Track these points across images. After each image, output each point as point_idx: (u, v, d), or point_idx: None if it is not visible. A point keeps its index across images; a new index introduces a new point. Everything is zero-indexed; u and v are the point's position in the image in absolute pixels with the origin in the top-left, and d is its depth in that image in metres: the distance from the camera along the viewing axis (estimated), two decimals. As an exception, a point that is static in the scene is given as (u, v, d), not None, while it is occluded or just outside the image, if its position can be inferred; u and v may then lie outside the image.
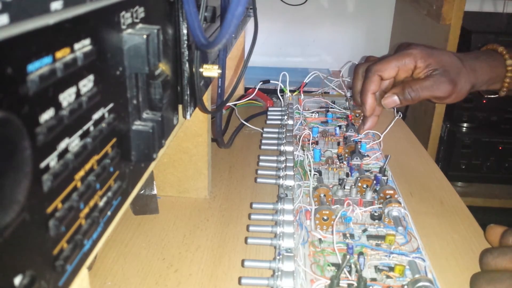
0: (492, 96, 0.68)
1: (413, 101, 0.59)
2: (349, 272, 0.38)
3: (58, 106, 0.20)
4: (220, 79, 0.46)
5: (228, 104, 0.74)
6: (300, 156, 0.57)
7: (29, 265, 0.19)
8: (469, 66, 0.61)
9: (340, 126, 0.67)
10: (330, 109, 0.74)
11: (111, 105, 0.25)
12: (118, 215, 0.28)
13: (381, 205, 0.47)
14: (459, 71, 0.60)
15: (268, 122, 0.70)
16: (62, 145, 0.21)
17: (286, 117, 0.67)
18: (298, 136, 0.62)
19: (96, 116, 0.24)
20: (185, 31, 0.35)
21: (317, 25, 1.40)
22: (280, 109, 0.73)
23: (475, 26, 1.11)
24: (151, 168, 0.34)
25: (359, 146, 0.59)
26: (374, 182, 0.50)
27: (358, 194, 0.50)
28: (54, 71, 0.19)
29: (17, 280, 0.18)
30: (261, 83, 0.85)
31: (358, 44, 1.42)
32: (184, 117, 0.38)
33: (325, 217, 0.44)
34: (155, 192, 0.50)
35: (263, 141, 0.62)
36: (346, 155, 0.58)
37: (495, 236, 0.46)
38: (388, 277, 0.38)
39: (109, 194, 0.26)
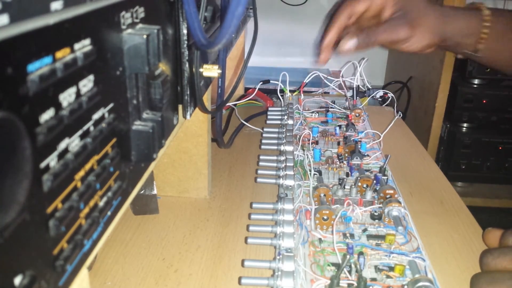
0: (466, 53, 0.61)
1: (372, 45, 0.56)
2: (349, 272, 0.38)
3: (58, 106, 0.20)
4: (220, 79, 0.46)
5: (228, 104, 0.74)
6: (300, 156, 0.57)
7: (29, 265, 0.19)
8: (442, 13, 0.58)
9: (340, 126, 0.67)
10: (330, 109, 0.74)
11: (111, 105, 0.25)
12: (118, 215, 0.28)
13: (381, 205, 0.47)
14: (424, 15, 0.56)
15: (268, 122, 0.70)
16: (62, 145, 0.21)
17: (286, 117, 0.67)
18: (298, 136, 0.62)
19: (96, 116, 0.24)
20: (185, 31, 0.35)
21: (317, 25, 1.40)
22: (280, 109, 0.73)
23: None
24: (151, 168, 0.34)
25: (359, 146, 0.59)
26: (374, 181, 0.50)
27: (358, 194, 0.50)
28: (54, 71, 0.19)
29: (17, 280, 0.18)
30: (261, 83, 0.85)
31: (358, 44, 1.42)
32: (184, 117, 0.38)
33: (325, 217, 0.44)
34: (155, 192, 0.50)
35: (263, 141, 0.62)
36: (346, 154, 0.58)
37: (494, 239, 0.45)
38: (388, 277, 0.38)
39: (109, 194, 0.26)
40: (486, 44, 0.59)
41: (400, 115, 0.73)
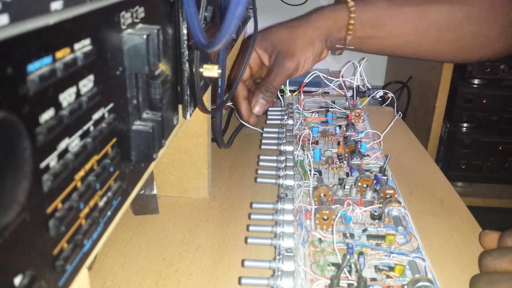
0: (341, 48, 0.67)
1: (276, 92, 0.63)
2: (349, 272, 0.38)
3: (58, 106, 0.20)
4: (220, 79, 0.46)
5: (228, 104, 0.74)
6: (300, 156, 0.57)
7: (29, 265, 0.19)
8: (305, 24, 0.63)
9: (340, 126, 0.67)
10: (330, 109, 0.74)
11: (111, 105, 0.25)
12: (118, 215, 0.28)
13: (381, 205, 0.47)
14: (292, 40, 0.62)
15: (268, 122, 0.70)
16: (62, 145, 0.21)
17: (286, 117, 0.67)
18: (298, 136, 0.62)
19: (96, 116, 0.24)
20: (185, 31, 0.35)
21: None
22: (280, 109, 0.73)
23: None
24: (151, 168, 0.34)
25: (359, 146, 0.59)
26: (374, 181, 0.50)
27: (358, 194, 0.50)
28: (54, 71, 0.19)
29: (17, 280, 0.18)
30: (261, 83, 0.85)
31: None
32: (184, 117, 0.38)
33: (325, 217, 0.44)
34: (155, 192, 0.50)
35: (263, 141, 0.62)
36: (346, 154, 0.58)
37: (491, 241, 0.45)
38: (388, 277, 0.38)
39: (109, 194, 0.26)
40: (354, 34, 0.64)
41: (400, 115, 0.73)
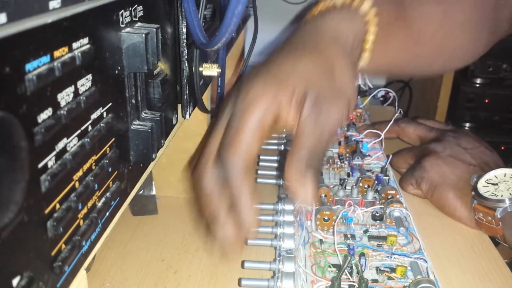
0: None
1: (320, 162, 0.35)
2: (350, 273, 0.38)
3: (56, 106, 0.20)
4: (219, 79, 0.46)
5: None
6: (301, 156, 0.57)
7: (27, 266, 0.19)
8: (342, 48, 0.37)
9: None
10: (330, 109, 0.73)
11: (109, 105, 0.25)
12: (117, 216, 0.28)
13: (382, 206, 0.47)
14: (333, 71, 0.35)
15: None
16: (60, 145, 0.20)
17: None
18: (298, 136, 0.61)
19: (94, 115, 0.24)
20: (184, 30, 0.35)
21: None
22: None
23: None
24: (150, 168, 0.33)
25: (360, 146, 0.58)
26: (376, 182, 0.50)
27: (359, 195, 0.49)
28: (52, 71, 0.19)
29: (15, 281, 0.18)
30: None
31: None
32: (184, 116, 0.38)
33: (326, 218, 0.44)
34: (154, 192, 0.50)
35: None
36: (347, 155, 0.58)
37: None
38: (389, 278, 0.38)
39: (108, 194, 0.26)
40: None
41: (400, 113, 0.72)
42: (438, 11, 0.47)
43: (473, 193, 0.47)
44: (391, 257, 0.40)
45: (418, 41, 0.46)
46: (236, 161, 0.31)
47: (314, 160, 0.33)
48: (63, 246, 0.21)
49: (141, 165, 0.31)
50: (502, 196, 0.44)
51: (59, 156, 0.20)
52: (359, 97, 0.76)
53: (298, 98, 0.33)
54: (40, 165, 0.19)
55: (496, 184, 0.46)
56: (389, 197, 0.47)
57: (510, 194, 0.44)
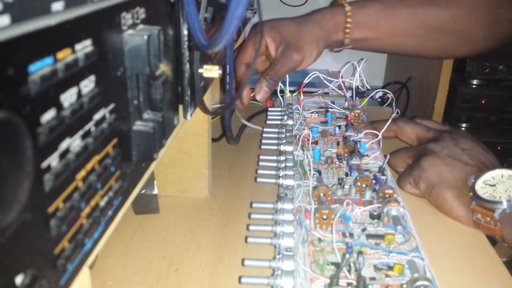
0: (340, 48, 0.72)
1: (278, 82, 0.66)
2: (349, 271, 0.38)
3: (59, 107, 0.20)
4: (228, 76, 0.46)
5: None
6: (300, 156, 0.57)
7: (31, 264, 0.19)
8: (311, 22, 0.67)
9: (339, 126, 0.67)
10: (329, 109, 0.74)
11: (112, 106, 0.25)
12: (119, 214, 0.28)
13: (380, 205, 0.47)
14: (300, 35, 0.65)
15: (268, 122, 0.71)
16: (63, 145, 0.21)
17: (286, 117, 0.67)
18: (297, 136, 0.62)
19: (97, 116, 0.24)
20: (185, 32, 0.35)
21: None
22: (280, 109, 0.73)
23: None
24: (152, 168, 0.34)
25: (359, 146, 0.59)
26: (374, 181, 0.50)
27: (358, 194, 0.50)
28: (56, 72, 0.19)
29: (19, 279, 0.18)
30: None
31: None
32: (185, 117, 0.38)
33: (325, 217, 0.44)
34: (155, 191, 0.50)
35: (263, 141, 0.62)
36: (346, 154, 0.59)
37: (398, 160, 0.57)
38: (387, 276, 0.39)
39: (110, 193, 0.26)
40: (351, 35, 0.69)
41: (398, 113, 0.73)
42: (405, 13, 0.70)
43: (471, 194, 0.47)
44: (388, 255, 0.41)
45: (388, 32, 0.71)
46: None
47: (275, 80, 0.64)
48: (66, 244, 0.22)
49: (143, 165, 0.31)
50: (500, 197, 0.45)
51: (62, 156, 0.21)
52: (357, 98, 0.76)
53: (276, 43, 0.65)
54: (43, 165, 0.19)
55: (494, 185, 0.46)
56: (386, 196, 0.48)
57: (508, 195, 0.45)
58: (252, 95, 0.65)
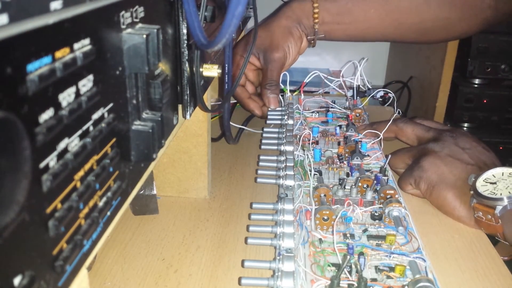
0: (313, 37, 0.72)
1: (278, 83, 0.68)
2: (350, 272, 0.38)
3: (57, 106, 0.20)
4: (226, 76, 0.46)
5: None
6: (300, 156, 0.57)
7: (29, 265, 0.19)
8: (277, 17, 0.70)
9: (340, 126, 0.67)
10: (330, 109, 0.74)
11: (110, 105, 0.25)
12: (118, 215, 0.28)
13: (381, 205, 0.47)
14: (270, 35, 0.68)
15: (268, 122, 0.70)
16: (61, 145, 0.21)
17: (286, 117, 0.67)
18: (298, 136, 0.62)
19: (95, 116, 0.24)
20: (185, 31, 0.35)
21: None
22: (280, 109, 0.72)
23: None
24: (151, 168, 0.33)
25: (360, 146, 0.59)
26: (375, 182, 0.50)
27: (359, 194, 0.50)
28: (54, 71, 0.19)
29: (17, 280, 0.18)
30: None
31: (358, 44, 1.42)
32: (184, 117, 0.38)
33: (326, 217, 0.44)
34: (154, 192, 0.50)
35: (263, 141, 0.62)
36: (347, 155, 0.58)
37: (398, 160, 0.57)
38: (388, 277, 0.38)
39: (109, 194, 0.26)
40: (322, 21, 0.70)
41: (399, 113, 0.73)
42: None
43: (472, 192, 0.47)
44: (390, 256, 0.41)
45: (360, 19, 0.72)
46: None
47: (274, 85, 0.67)
48: (65, 245, 0.21)
49: (142, 165, 0.31)
50: (501, 194, 0.45)
51: (60, 156, 0.20)
52: (358, 97, 0.76)
53: (255, 54, 0.69)
54: (41, 165, 0.19)
55: (495, 183, 0.46)
56: (388, 196, 0.47)
57: (509, 192, 0.45)
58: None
